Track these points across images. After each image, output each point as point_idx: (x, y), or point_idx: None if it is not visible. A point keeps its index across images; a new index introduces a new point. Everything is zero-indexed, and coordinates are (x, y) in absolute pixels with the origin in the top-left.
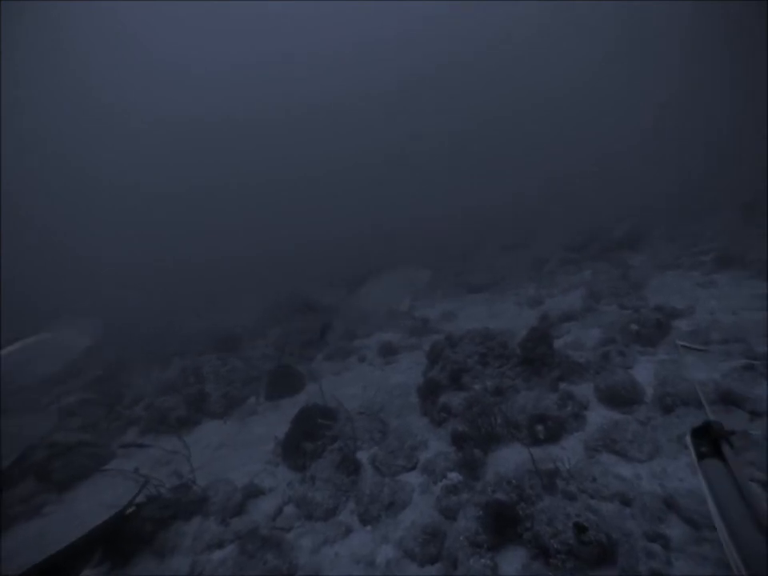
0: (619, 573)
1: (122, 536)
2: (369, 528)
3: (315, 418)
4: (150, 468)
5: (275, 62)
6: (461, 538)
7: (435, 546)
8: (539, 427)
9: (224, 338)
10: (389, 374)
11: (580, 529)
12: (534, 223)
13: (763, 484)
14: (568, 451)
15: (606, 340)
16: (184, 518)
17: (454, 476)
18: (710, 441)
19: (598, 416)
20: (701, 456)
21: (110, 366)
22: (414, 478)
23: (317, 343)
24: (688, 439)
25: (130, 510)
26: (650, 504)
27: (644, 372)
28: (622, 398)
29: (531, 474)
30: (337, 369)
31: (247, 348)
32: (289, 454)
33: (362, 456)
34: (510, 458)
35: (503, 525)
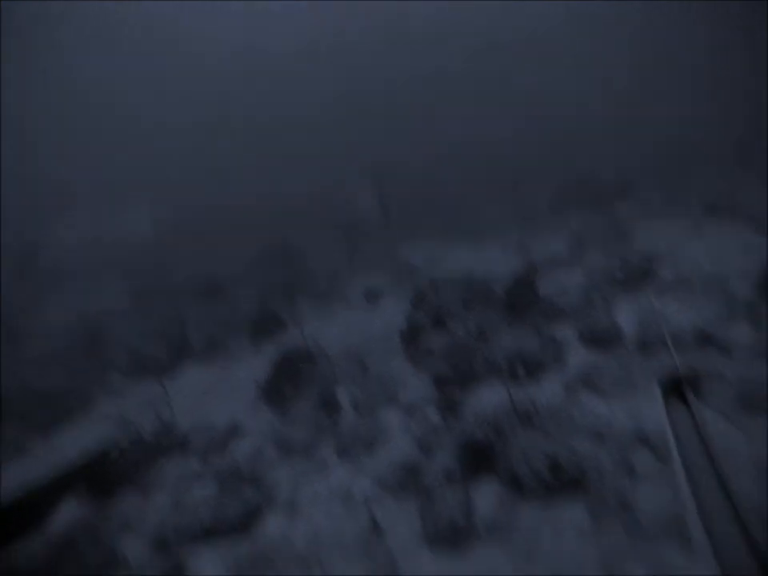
0: (589, 501)
1: (106, 476)
2: (347, 463)
3: (296, 361)
4: (133, 412)
5: None
6: (437, 474)
7: (411, 480)
8: (520, 368)
9: (208, 282)
10: (372, 317)
11: (553, 462)
12: (524, 163)
13: (723, 417)
14: (547, 391)
15: (589, 284)
16: (166, 459)
17: (433, 413)
18: (676, 385)
19: (578, 357)
20: (667, 399)
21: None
22: (392, 416)
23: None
24: (655, 385)
25: (112, 452)
26: (621, 439)
27: (625, 316)
28: (602, 341)
29: (509, 411)
30: (320, 312)
31: (232, 292)
32: (269, 395)
33: (342, 397)
34: (489, 398)
35: (479, 459)
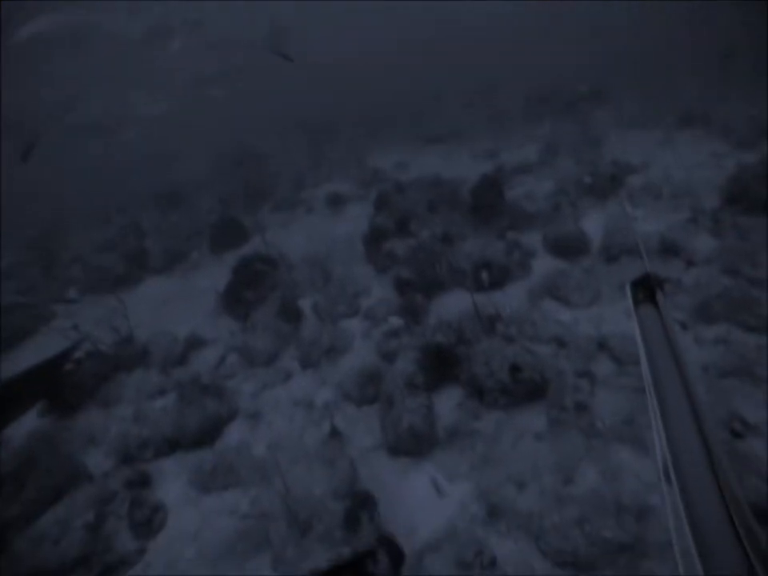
0: (548, 406)
1: (66, 390)
2: (309, 372)
3: (255, 266)
4: (90, 326)
5: None
6: (398, 380)
7: (373, 387)
8: (484, 274)
9: (168, 192)
10: (335, 223)
11: (515, 368)
12: (498, 73)
13: (682, 324)
14: (511, 297)
15: (558, 191)
16: (126, 371)
17: (395, 320)
18: (646, 289)
19: (544, 264)
20: (637, 302)
21: (45, 225)
22: (355, 324)
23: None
24: (627, 288)
25: (69, 366)
26: (583, 345)
27: (593, 224)
28: (568, 248)
29: (472, 318)
30: (283, 220)
31: (192, 202)
32: (230, 305)
33: (304, 304)
34: (452, 304)
35: (441, 366)
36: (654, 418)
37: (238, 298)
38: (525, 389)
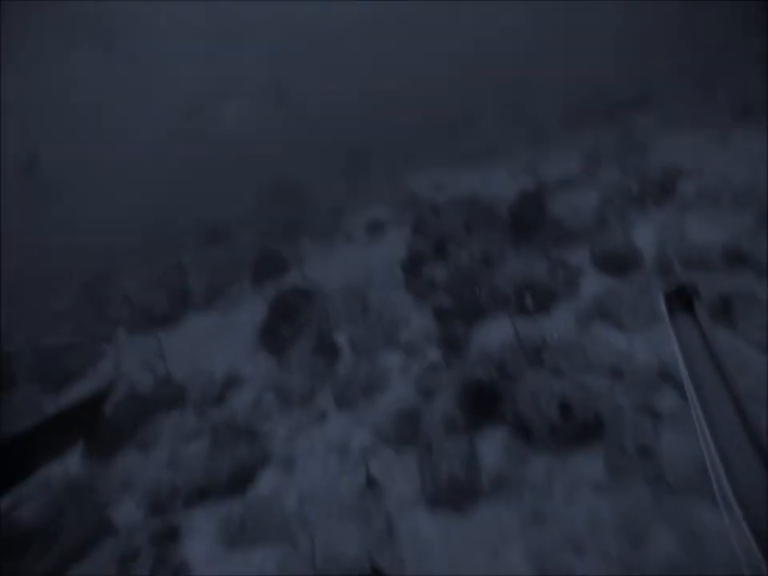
0: (605, 450)
1: (103, 432)
2: (344, 412)
3: (291, 300)
4: (131, 366)
5: None
6: (436, 422)
7: (411, 428)
8: (527, 297)
9: (211, 230)
10: (374, 250)
11: (565, 406)
12: (533, 76)
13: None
14: (558, 322)
15: (604, 203)
16: (165, 411)
17: (435, 354)
18: (682, 299)
19: (593, 283)
20: (672, 313)
21: (96, 265)
22: (393, 358)
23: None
24: (660, 298)
25: (107, 407)
26: (642, 376)
27: (644, 236)
28: (619, 264)
29: (516, 348)
30: (322, 250)
31: (233, 237)
32: (267, 340)
33: (341, 336)
34: (495, 332)
35: (483, 405)
36: (701, 434)
37: (274, 333)
38: (577, 429)
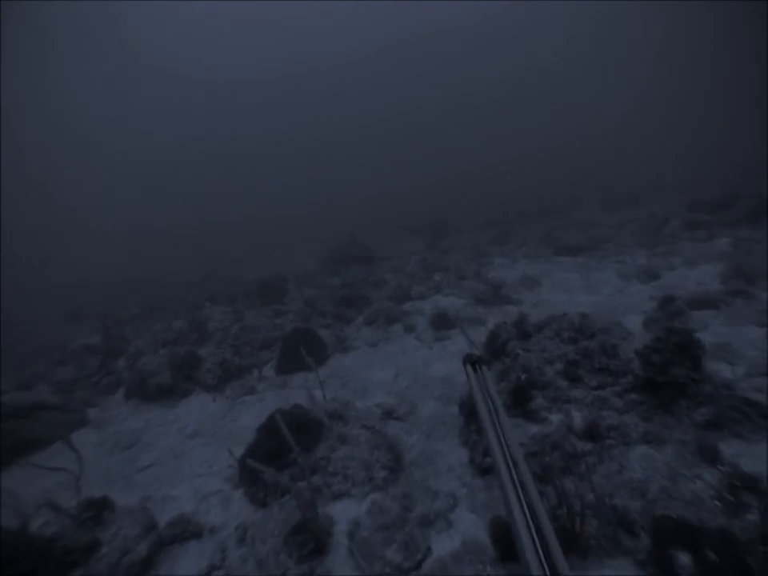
0: None
1: None
2: None
3: (285, 432)
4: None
5: None
6: None
7: None
8: (682, 557)
9: (264, 285)
10: (435, 356)
11: None
12: (648, 172)
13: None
14: None
15: None
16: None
17: None
18: (473, 362)
19: None
20: (467, 371)
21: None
22: None
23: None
24: (461, 361)
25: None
26: None
27: None
28: None
29: None
30: (373, 338)
31: (288, 299)
32: (246, 479)
33: (342, 512)
34: None
35: None
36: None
37: (256, 474)
38: None
